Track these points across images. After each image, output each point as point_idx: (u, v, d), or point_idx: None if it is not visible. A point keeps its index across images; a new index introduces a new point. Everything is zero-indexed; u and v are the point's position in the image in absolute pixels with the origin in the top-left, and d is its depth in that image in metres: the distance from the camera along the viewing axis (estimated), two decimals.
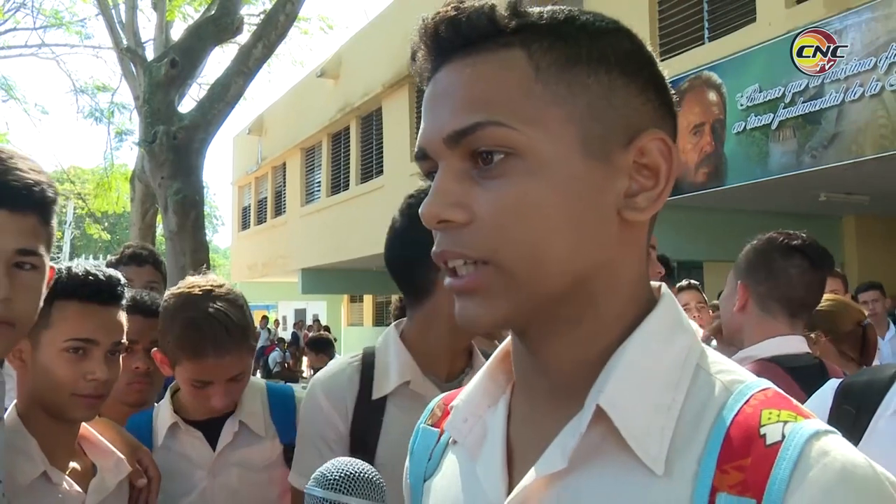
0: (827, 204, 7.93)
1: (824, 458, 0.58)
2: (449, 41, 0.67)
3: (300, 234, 17.03)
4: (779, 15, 7.11)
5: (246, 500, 1.66)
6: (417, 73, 0.71)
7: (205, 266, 2.23)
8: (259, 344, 13.67)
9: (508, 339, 0.77)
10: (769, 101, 6.81)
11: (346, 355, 1.65)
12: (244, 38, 9.06)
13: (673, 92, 0.71)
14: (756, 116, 6.93)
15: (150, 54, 11.13)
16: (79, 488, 1.44)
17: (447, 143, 0.66)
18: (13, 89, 16.95)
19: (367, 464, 0.73)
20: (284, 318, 23.99)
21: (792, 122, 6.66)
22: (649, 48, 0.70)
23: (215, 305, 1.58)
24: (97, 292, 1.47)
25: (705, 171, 7.44)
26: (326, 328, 16.60)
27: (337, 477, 0.70)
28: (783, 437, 0.59)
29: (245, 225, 21.88)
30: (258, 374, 12.71)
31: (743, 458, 0.59)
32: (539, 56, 0.65)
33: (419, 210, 0.67)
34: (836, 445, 0.59)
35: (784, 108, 6.69)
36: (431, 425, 0.85)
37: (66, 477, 1.44)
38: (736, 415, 0.62)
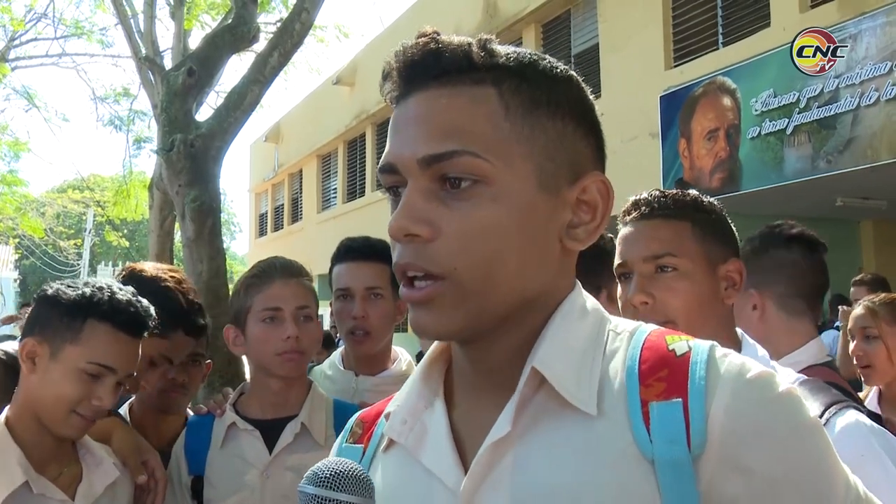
0: (843, 209, 7.88)
1: (727, 358, 0.72)
2: (426, 70, 0.72)
3: (317, 240, 17.08)
4: (793, 20, 7.08)
5: None
6: (387, 92, 0.76)
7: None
8: None
9: (435, 344, 0.83)
10: (784, 106, 6.78)
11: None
12: (260, 46, 9.10)
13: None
14: (771, 121, 6.91)
15: (168, 63, 11.23)
16: (64, 495, 1.42)
17: (420, 164, 0.71)
18: (34, 98, 17.10)
19: (355, 462, 0.76)
20: None
21: (807, 127, 6.63)
22: (591, 98, 0.78)
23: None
24: (132, 323, 1.47)
25: (720, 177, 7.41)
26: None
27: (328, 475, 0.73)
28: (689, 348, 0.73)
29: (262, 232, 21.98)
30: None
31: (661, 370, 0.72)
32: (508, 96, 0.72)
33: (389, 224, 0.72)
34: (729, 350, 0.74)
35: (799, 113, 6.67)
36: (353, 443, 0.90)
37: (51, 484, 1.41)
38: (643, 344, 0.75)
